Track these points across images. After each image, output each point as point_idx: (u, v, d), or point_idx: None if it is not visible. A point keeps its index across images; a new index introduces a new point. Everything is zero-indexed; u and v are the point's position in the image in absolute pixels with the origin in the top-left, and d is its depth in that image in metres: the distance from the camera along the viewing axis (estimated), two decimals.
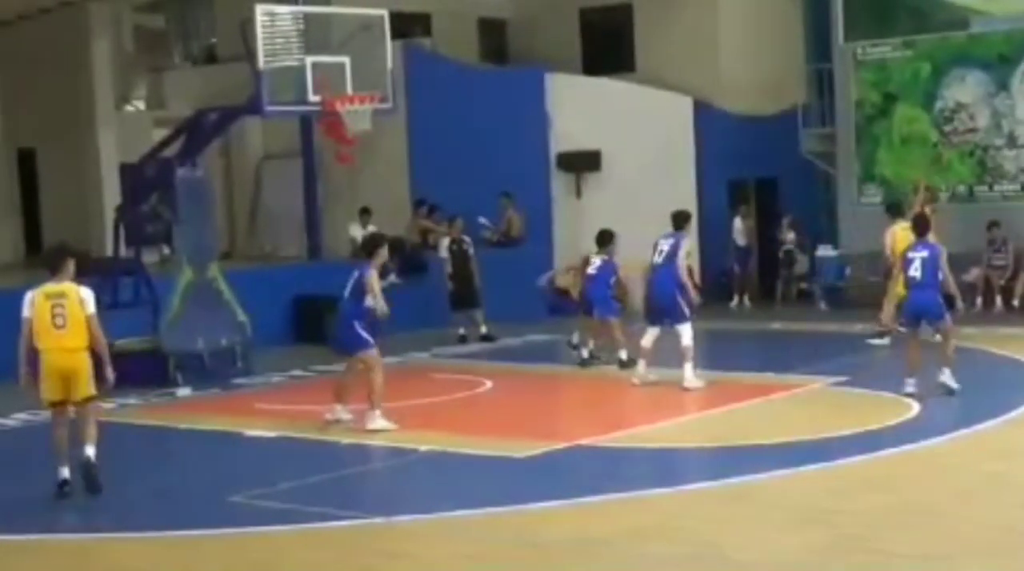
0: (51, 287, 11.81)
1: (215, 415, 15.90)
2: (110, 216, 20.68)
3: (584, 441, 13.32)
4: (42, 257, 12.61)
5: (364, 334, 14.31)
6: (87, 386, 11.80)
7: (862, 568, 9.07)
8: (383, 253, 14.84)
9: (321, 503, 11.12)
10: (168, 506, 11.60)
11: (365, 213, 24.31)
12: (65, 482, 11.63)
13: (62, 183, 26.59)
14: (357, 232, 24.07)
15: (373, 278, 14.30)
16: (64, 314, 11.68)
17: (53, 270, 11.88)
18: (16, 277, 23.32)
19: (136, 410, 16.40)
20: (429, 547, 9.92)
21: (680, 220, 17.10)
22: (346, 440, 13.83)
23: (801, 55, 28.17)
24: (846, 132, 25.85)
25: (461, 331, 21.70)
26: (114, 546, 10.21)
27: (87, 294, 11.86)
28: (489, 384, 17.40)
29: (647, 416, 14.82)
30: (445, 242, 22.23)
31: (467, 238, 22.26)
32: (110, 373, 12.00)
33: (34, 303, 11.75)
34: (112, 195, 22.88)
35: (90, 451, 11.70)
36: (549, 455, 12.80)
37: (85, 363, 11.77)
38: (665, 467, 12.74)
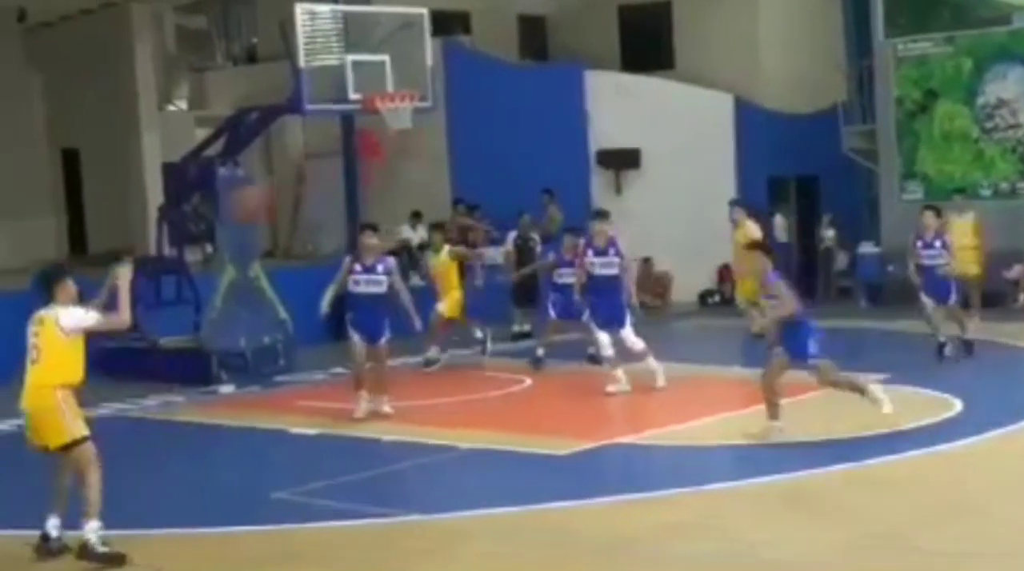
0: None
1: (258, 412, 16.01)
2: (153, 215, 20.85)
3: (621, 439, 13.39)
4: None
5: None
6: (58, 432, 9.55)
7: (898, 566, 9.06)
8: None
9: (361, 500, 11.21)
10: (212, 502, 11.70)
11: (416, 216, 24.48)
12: (46, 538, 9.69)
13: (106, 183, 26.76)
14: (408, 233, 24.27)
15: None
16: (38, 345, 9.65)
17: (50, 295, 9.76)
18: None
19: (180, 408, 16.55)
20: (466, 545, 9.97)
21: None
22: (387, 437, 13.93)
23: (842, 52, 28.09)
24: (887, 129, 25.77)
25: (515, 328, 21.72)
26: (157, 542, 10.27)
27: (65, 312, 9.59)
28: (528, 382, 17.47)
29: (682, 414, 14.79)
30: (511, 236, 22.27)
31: (535, 235, 22.29)
32: None
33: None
34: (155, 195, 23.05)
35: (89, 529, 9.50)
36: (586, 453, 12.85)
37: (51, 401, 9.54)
38: (699, 465, 12.72)
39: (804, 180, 27.36)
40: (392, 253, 18.39)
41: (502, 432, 14.11)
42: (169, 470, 13.13)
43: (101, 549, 9.46)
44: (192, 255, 21.18)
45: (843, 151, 26.65)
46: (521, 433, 14.12)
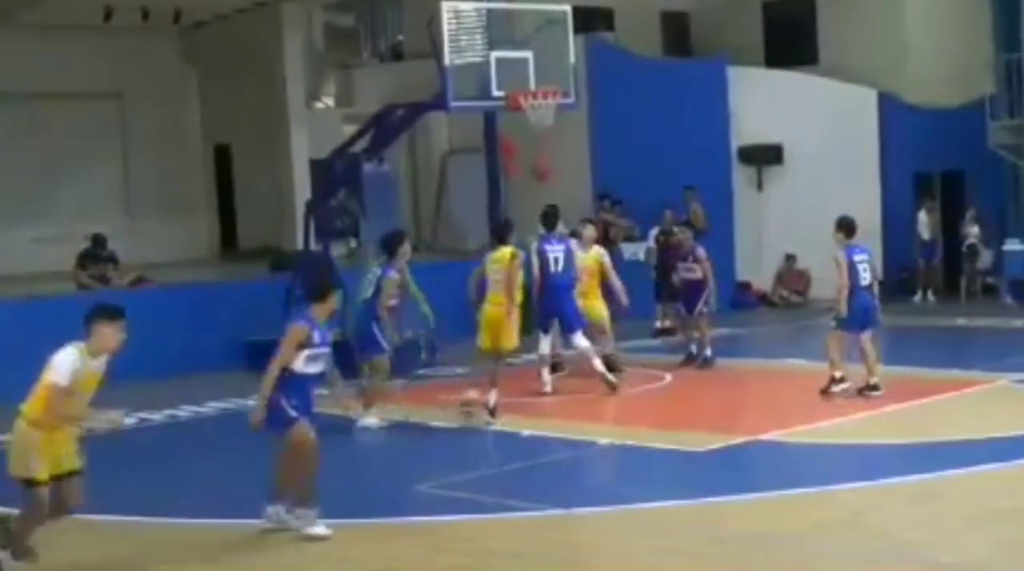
0: None
1: (401, 406, 16.25)
2: (301, 211, 21.25)
3: (766, 436, 13.39)
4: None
5: (379, 337, 15.02)
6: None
7: None
8: (405, 250, 15.06)
9: (503, 493, 11.38)
10: (356, 494, 11.91)
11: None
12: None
13: (255, 179, 27.30)
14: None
15: (391, 280, 14.96)
16: None
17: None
18: (210, 271, 24.13)
19: (325, 400, 16.83)
20: (610, 539, 10.07)
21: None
22: (527, 432, 14.10)
23: (989, 44, 27.65)
24: None
25: (657, 325, 21.74)
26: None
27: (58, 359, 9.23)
28: (669, 378, 17.53)
29: (828, 412, 14.74)
30: (653, 233, 22.33)
31: (677, 230, 22.31)
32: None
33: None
34: (303, 190, 23.49)
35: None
36: (730, 449, 12.90)
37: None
38: (847, 463, 12.69)
39: (950, 176, 26.99)
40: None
41: (645, 428, 14.22)
42: None
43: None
44: (337, 249, 21.51)
45: (989, 146, 26.25)
46: (664, 429, 14.20)
